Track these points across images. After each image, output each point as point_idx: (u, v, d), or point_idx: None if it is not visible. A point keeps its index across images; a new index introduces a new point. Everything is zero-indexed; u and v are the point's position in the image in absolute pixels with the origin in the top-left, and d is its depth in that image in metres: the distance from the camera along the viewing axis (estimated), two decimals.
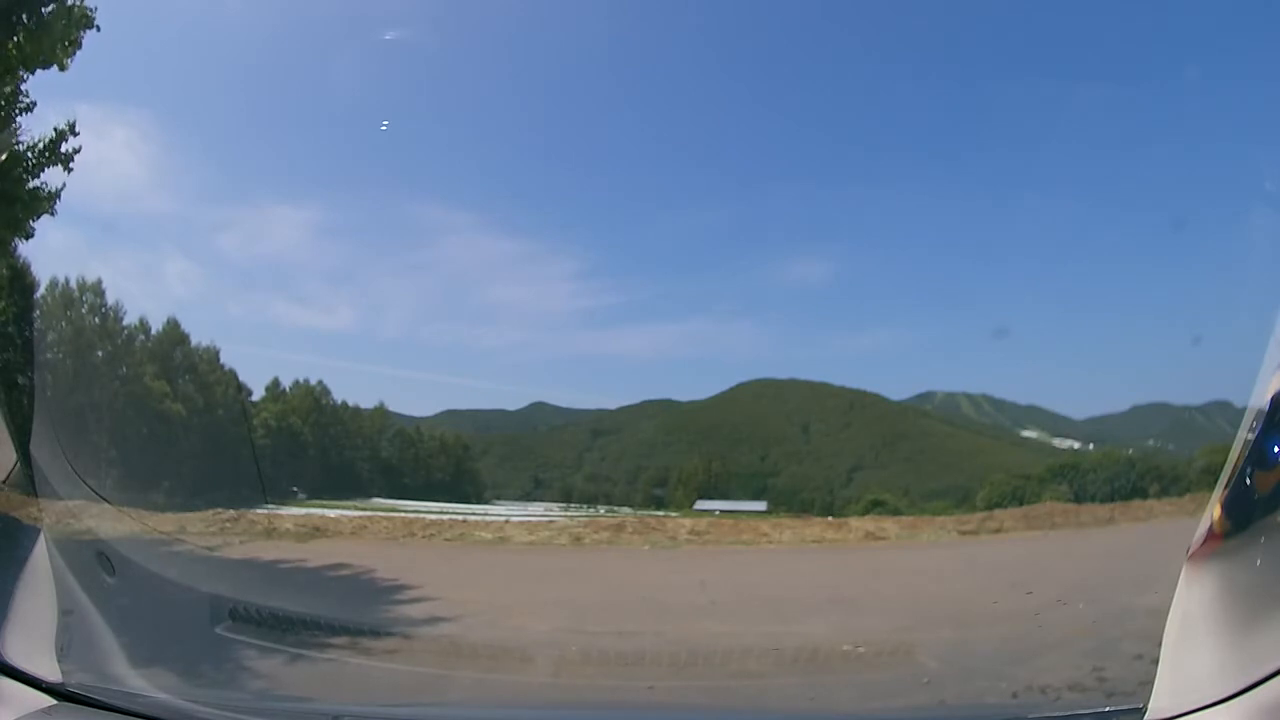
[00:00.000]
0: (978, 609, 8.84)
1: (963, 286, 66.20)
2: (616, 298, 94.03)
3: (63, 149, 12.86)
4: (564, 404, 69.38)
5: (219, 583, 9.77)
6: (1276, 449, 3.42)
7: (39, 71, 12.32)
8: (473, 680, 6.36)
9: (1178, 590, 3.34)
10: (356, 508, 28.27)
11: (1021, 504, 25.20)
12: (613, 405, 71.55)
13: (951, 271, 66.48)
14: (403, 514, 23.64)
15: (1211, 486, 3.95)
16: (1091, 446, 44.84)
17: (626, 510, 42.37)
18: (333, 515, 20.79)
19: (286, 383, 43.21)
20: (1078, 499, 25.83)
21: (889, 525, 19.05)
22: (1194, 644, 3.05)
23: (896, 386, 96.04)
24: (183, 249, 69.79)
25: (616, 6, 38.36)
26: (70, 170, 13.00)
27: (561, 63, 53.29)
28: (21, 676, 3.20)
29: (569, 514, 36.85)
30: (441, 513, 25.47)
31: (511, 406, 72.69)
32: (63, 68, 12.25)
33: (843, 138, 59.54)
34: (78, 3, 12.21)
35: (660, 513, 36.35)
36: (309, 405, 43.02)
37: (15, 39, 11.76)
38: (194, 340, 35.27)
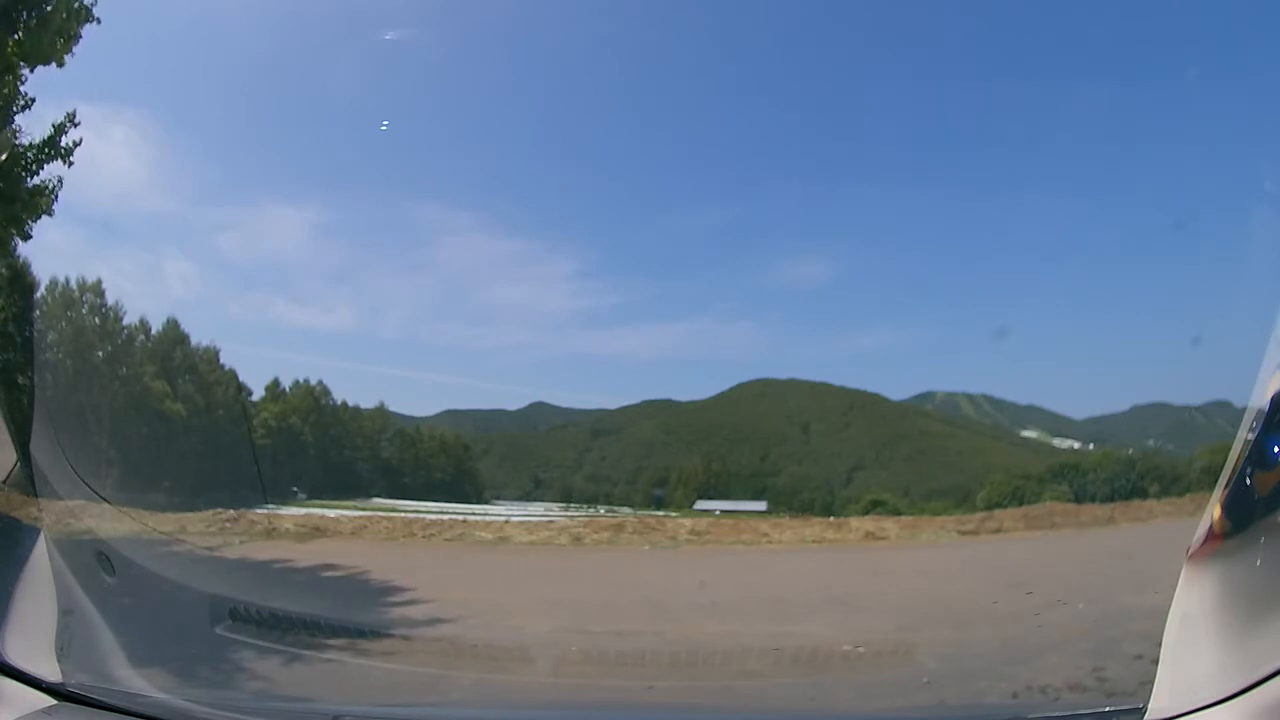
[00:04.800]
0: (978, 609, 8.84)
1: (963, 286, 65.94)
2: (616, 298, 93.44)
3: (62, 142, 12.84)
4: (564, 404, 69.12)
5: (219, 583, 9.77)
6: (1276, 449, 3.43)
7: (38, 70, 12.30)
8: (473, 680, 6.36)
9: (1178, 590, 3.34)
10: (356, 508, 28.25)
11: (1021, 504, 25.12)
12: (613, 405, 71.32)
13: (951, 271, 66.22)
14: (403, 514, 23.62)
15: (1211, 486, 3.95)
16: (1091, 446, 44.78)
17: (626, 510, 42.33)
18: (333, 515, 20.77)
19: (286, 383, 43.17)
20: (1078, 499, 25.77)
21: (889, 525, 19.00)
22: (1194, 644, 3.06)
23: (896, 386, 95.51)
24: (183, 249, 69.42)
25: (616, 6, 38.31)
26: (70, 164, 12.95)
27: (562, 63, 53.24)
28: (21, 676, 3.20)
29: (569, 514, 36.81)
30: (441, 513, 25.45)
31: (511, 406, 72.37)
32: (60, 63, 12.23)
33: (843, 137, 59.30)
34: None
35: (660, 513, 36.30)
36: (309, 405, 42.98)
37: (15, 35, 11.74)
38: (194, 340, 35.22)
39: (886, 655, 6.96)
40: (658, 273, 79.10)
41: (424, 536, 16.75)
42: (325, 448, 43.43)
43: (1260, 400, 3.67)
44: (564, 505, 47.97)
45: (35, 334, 19.80)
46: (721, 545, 16.36)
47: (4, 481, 6.83)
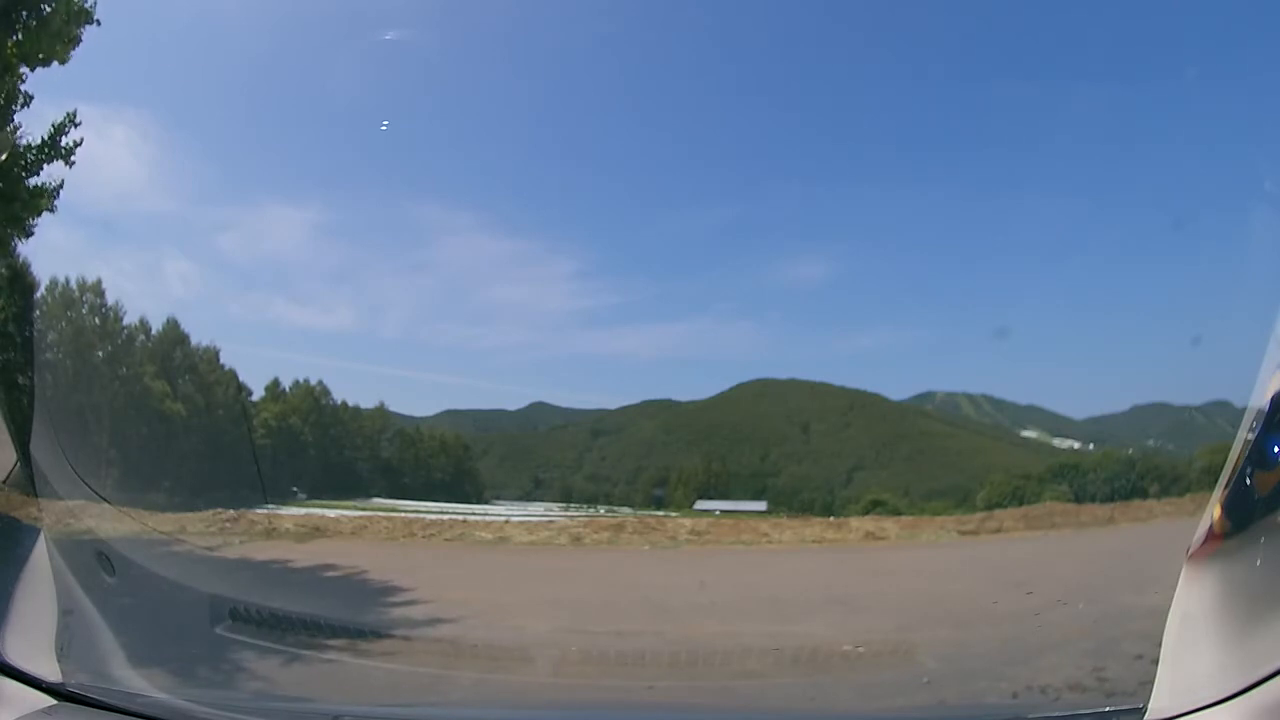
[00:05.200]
0: (978, 609, 8.83)
1: (963, 286, 66.06)
2: (616, 298, 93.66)
3: (63, 142, 12.84)
4: (564, 404, 69.24)
5: (219, 583, 9.76)
6: (1276, 449, 3.43)
7: (39, 70, 12.31)
8: (472, 680, 6.36)
9: (1178, 590, 3.34)
10: (356, 508, 28.26)
11: (1021, 504, 25.15)
12: (613, 405, 71.42)
13: (951, 271, 66.36)
14: (403, 514, 23.61)
15: (1211, 486, 3.95)
16: (1091, 446, 44.80)
17: (626, 510, 42.34)
18: (333, 515, 20.78)
19: (286, 383, 43.24)
20: (1078, 499, 25.77)
21: (889, 525, 19.00)
22: (1194, 644, 3.06)
23: (896, 386, 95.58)
24: (183, 249, 69.63)
25: (616, 6, 38.36)
26: (71, 164, 12.97)
27: (561, 63, 53.36)
28: (21, 676, 3.20)
29: (569, 514, 36.82)
30: (441, 513, 25.46)
31: (511, 406, 72.51)
32: (63, 62, 12.24)
33: (843, 137, 59.42)
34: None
35: (660, 513, 36.30)
36: (309, 405, 43.00)
37: (15, 36, 11.75)
38: (194, 340, 35.26)
39: (886, 655, 6.96)
40: (658, 273, 79.29)
41: (424, 536, 16.75)
42: (325, 448, 43.45)
43: (1260, 400, 3.67)
44: (564, 505, 47.98)
45: (35, 334, 19.81)
46: (721, 545, 16.35)
47: (4, 481, 6.83)
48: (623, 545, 16.44)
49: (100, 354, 30.10)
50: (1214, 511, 3.54)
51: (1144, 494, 24.74)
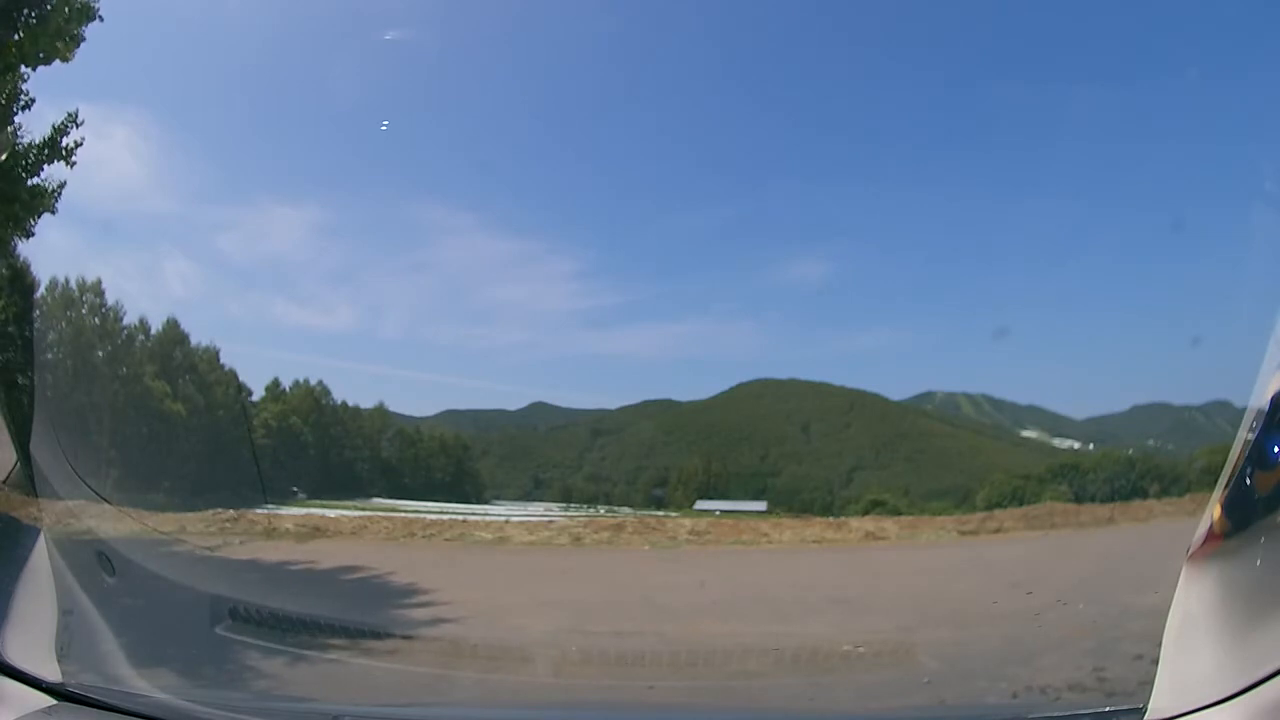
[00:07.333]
0: (978, 609, 8.83)
1: (963, 286, 66.24)
2: (616, 298, 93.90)
3: (64, 142, 12.83)
4: (564, 404, 69.29)
5: (219, 583, 9.78)
6: (1276, 449, 3.42)
7: (40, 70, 12.30)
8: (473, 680, 6.36)
9: (1178, 590, 3.34)
10: (356, 508, 28.27)
11: (1021, 504, 25.18)
12: (613, 405, 71.56)
13: (951, 271, 66.48)
14: (403, 514, 23.64)
15: (1211, 486, 3.94)
16: (1091, 446, 44.83)
17: (626, 510, 42.34)
18: (333, 515, 20.78)
19: (286, 383, 43.30)
20: (1078, 499, 25.80)
21: (889, 525, 19.03)
22: (1194, 644, 3.05)
23: (896, 386, 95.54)
24: (183, 249, 69.69)
25: (616, 7, 38.42)
26: (72, 165, 12.95)
27: (561, 62, 53.45)
28: (21, 676, 3.19)
29: (569, 514, 36.84)
30: (441, 513, 25.49)
31: (511, 406, 72.66)
32: (64, 60, 12.21)
33: (843, 137, 59.59)
34: None
35: (660, 513, 36.32)
36: (309, 405, 43.03)
37: (16, 35, 11.73)
38: (194, 340, 35.33)
39: (886, 655, 6.96)
40: (658, 273, 79.44)
41: (424, 536, 16.76)
42: (325, 448, 43.46)
43: (1260, 400, 3.66)
44: (564, 505, 48.00)
45: (35, 334, 19.79)
46: (722, 545, 16.36)
47: (4, 481, 6.82)
48: (623, 545, 16.44)
49: (100, 354, 30.12)
50: (1214, 511, 3.53)
51: (1144, 494, 24.80)
